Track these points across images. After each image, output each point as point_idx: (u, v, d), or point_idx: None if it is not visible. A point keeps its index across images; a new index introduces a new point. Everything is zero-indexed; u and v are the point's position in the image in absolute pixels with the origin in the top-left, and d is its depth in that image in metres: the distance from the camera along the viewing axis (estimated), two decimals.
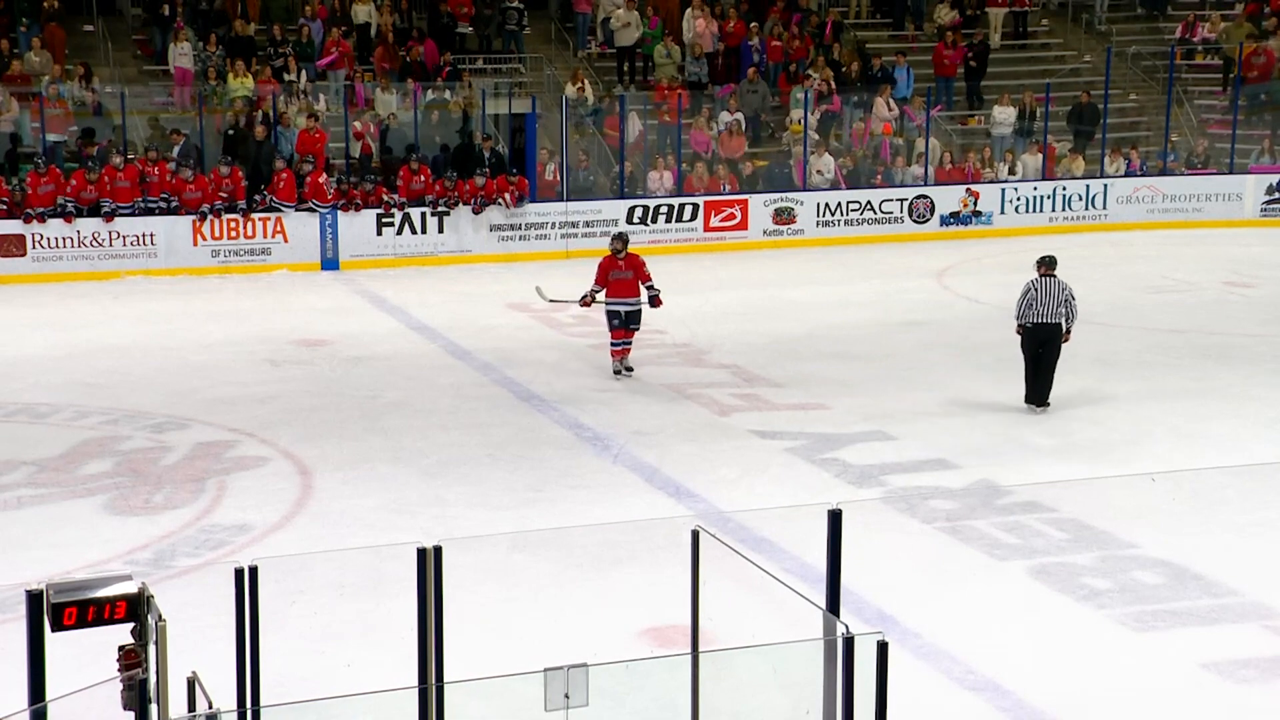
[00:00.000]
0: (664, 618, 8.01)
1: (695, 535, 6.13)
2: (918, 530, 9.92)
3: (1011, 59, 26.34)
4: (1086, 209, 23.49)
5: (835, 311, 15.82)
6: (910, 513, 10.24)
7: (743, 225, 22.11)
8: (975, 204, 23.09)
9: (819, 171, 22.76)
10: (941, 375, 14.30)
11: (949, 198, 23.00)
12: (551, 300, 15.04)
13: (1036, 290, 12.79)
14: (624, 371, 13.99)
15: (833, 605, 5.70)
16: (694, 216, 21.90)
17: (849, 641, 5.33)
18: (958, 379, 14.15)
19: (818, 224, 22.17)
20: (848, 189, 22.80)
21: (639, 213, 21.64)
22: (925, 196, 22.92)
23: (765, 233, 22.08)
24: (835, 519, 5.72)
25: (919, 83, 24.76)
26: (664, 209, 21.79)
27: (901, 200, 22.85)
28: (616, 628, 8.13)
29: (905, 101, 24.24)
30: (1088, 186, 23.60)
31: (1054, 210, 23.43)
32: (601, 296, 14.14)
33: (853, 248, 21.85)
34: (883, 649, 5.08)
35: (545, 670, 4.96)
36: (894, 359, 15.02)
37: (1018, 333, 12.91)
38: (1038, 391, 12.83)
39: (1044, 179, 23.59)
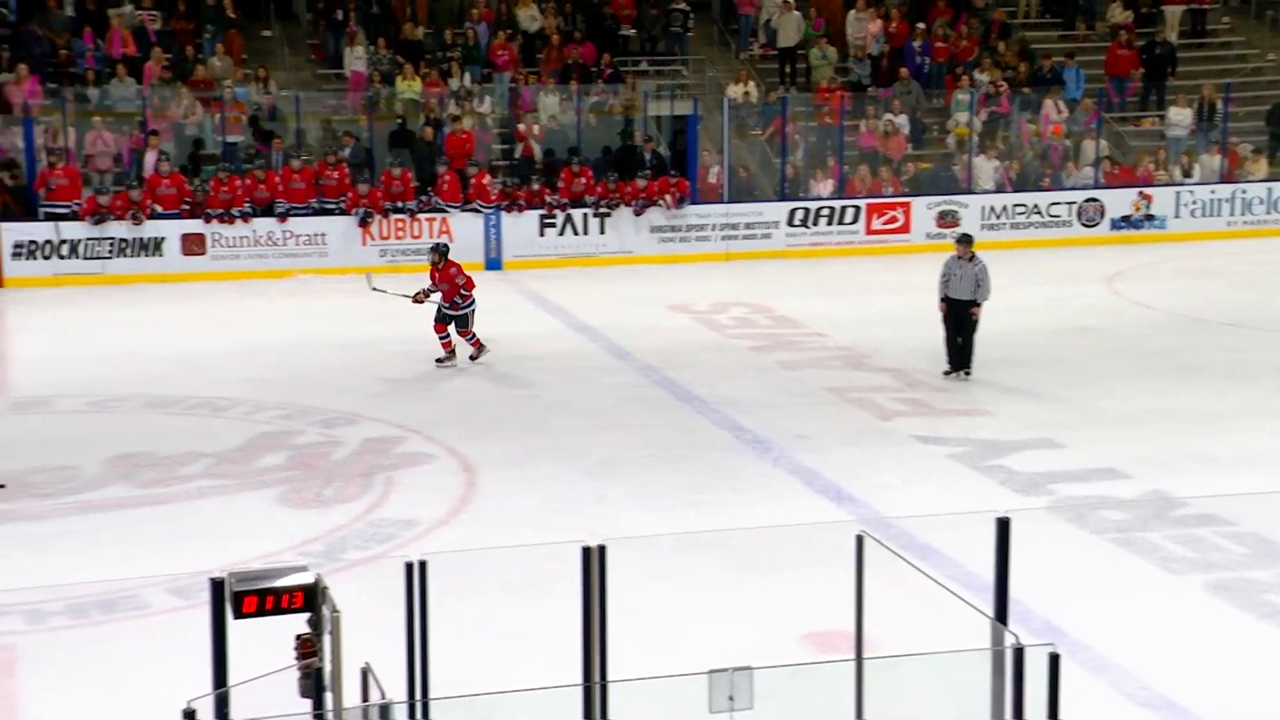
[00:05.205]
0: (826, 622, 7.94)
1: (860, 540, 6.08)
2: (1087, 541, 9.69)
3: (1189, 58, 25.51)
4: (1268, 213, 22.63)
5: (1001, 317, 15.46)
6: (1079, 522, 10.00)
7: (905, 228, 21.83)
8: (1148, 207, 22.43)
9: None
10: (1112, 382, 13.93)
11: (1120, 201, 22.38)
12: (375, 289, 15.38)
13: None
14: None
15: (1001, 614, 5.59)
16: (855, 219, 21.68)
17: (1019, 652, 5.23)
18: (1129, 386, 13.77)
19: (982, 227, 21.72)
20: (1014, 192, 22.36)
21: (800, 215, 21.52)
22: (1095, 200, 22.33)
23: (928, 236, 21.73)
24: (1004, 527, 5.62)
25: (1089, 83, 24.15)
26: (825, 211, 21.63)
27: (1070, 203, 22.30)
28: (779, 631, 8.09)
29: (1075, 103, 23.66)
30: (1270, 190, 22.73)
31: (1233, 214, 22.64)
32: (437, 298, 14.74)
33: (1019, 252, 21.33)
34: (1054, 660, 4.97)
35: (710, 672, 4.97)
36: (1062, 365, 14.68)
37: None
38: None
39: (1222, 181, 22.80)
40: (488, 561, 9.06)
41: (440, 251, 14.96)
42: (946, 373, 13.90)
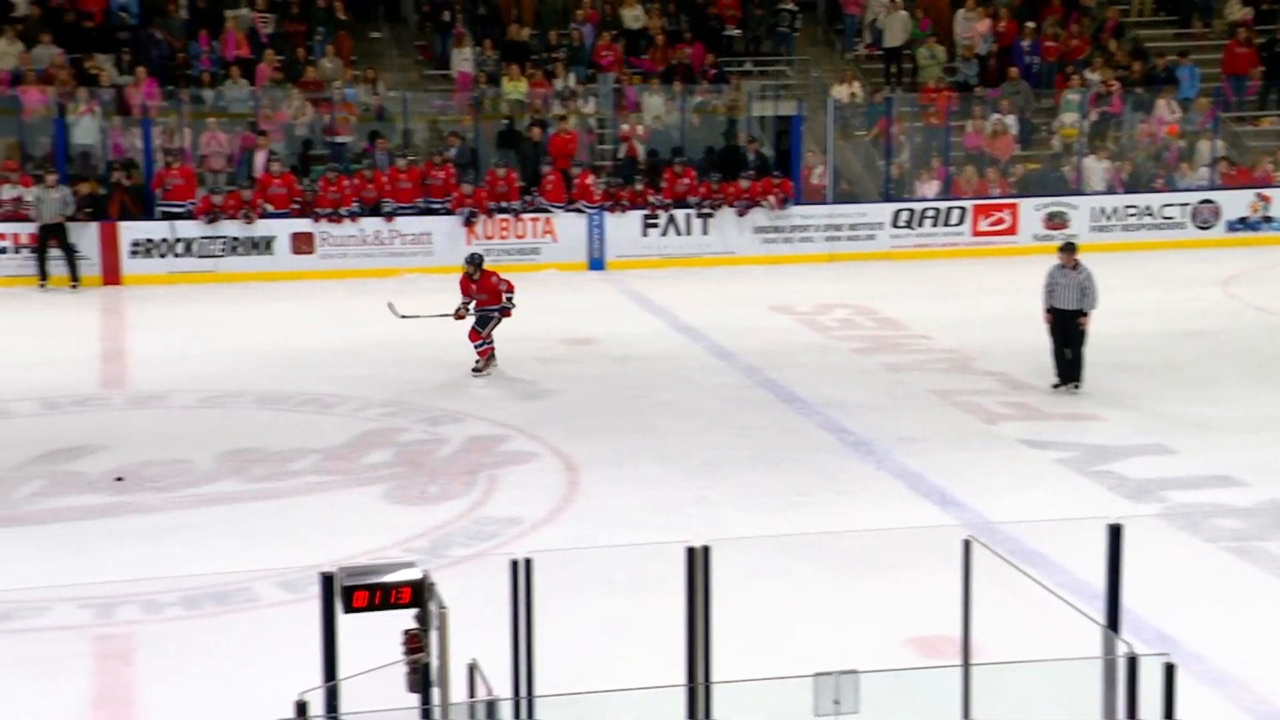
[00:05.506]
0: (931, 627, 7.86)
1: (967, 545, 6.02)
2: (1200, 549, 9.49)
3: None
4: None
5: (1111, 320, 15.17)
6: (1192, 530, 9.79)
7: (1012, 230, 21.52)
8: (1266, 209, 21.88)
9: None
10: (1227, 388, 13.62)
11: (1237, 203, 21.86)
12: (404, 316, 15.05)
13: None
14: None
15: (1113, 623, 5.50)
16: (961, 221, 21.43)
17: (1132, 661, 5.13)
18: (1245, 392, 13.46)
19: (1092, 229, 21.35)
20: (1125, 193, 21.95)
21: (905, 216, 21.32)
22: (1210, 201, 21.84)
23: (1036, 238, 21.40)
24: (1115, 534, 5.53)
25: (1205, 82, 23.62)
26: (930, 212, 21.40)
27: (1184, 205, 21.83)
28: (882, 635, 8.03)
29: (1189, 102, 23.15)
30: None
31: None
32: (472, 307, 14.41)
33: (1130, 254, 20.94)
34: (1170, 671, 4.87)
35: (815, 675, 4.94)
36: (1175, 370, 14.39)
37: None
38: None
39: None
40: (591, 560, 9.10)
41: (475, 263, 14.54)
42: (1055, 385, 13.40)
